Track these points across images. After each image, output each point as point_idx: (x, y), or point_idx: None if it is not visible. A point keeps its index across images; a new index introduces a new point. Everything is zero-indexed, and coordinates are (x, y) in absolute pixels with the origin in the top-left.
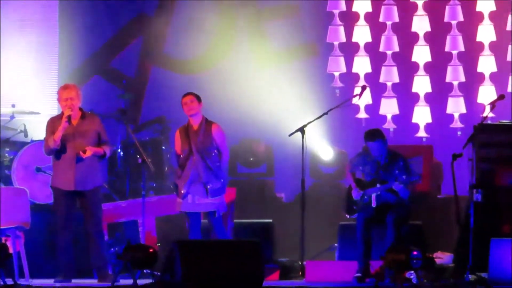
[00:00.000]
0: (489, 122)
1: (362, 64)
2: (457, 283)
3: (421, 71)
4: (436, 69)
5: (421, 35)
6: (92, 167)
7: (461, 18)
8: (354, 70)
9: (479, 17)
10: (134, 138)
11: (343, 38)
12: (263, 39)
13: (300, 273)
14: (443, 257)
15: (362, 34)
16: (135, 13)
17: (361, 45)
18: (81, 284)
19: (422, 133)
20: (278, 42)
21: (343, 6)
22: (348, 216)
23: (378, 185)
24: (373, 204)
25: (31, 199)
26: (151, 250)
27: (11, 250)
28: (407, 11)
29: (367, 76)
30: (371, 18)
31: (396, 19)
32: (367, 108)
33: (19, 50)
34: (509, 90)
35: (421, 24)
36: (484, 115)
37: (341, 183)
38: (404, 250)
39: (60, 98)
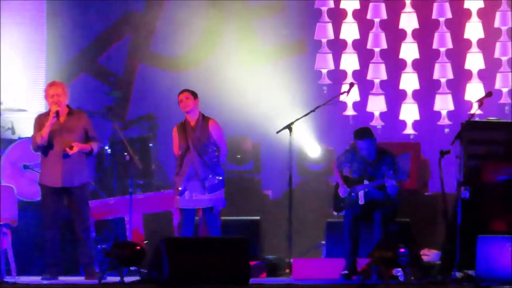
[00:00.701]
0: (476, 119)
1: (350, 61)
2: (444, 280)
3: (408, 68)
4: (424, 66)
5: (409, 32)
6: (79, 163)
7: (449, 15)
8: (342, 67)
9: (467, 14)
10: (122, 135)
11: (331, 35)
12: (251, 36)
13: (288, 270)
14: (430, 254)
15: (350, 31)
16: (123, 10)
17: (349, 42)
18: (68, 282)
19: (409, 130)
20: (266, 39)
21: (331, 3)
22: (335, 213)
23: (366, 182)
24: (361, 202)
25: (19, 196)
26: (138, 247)
27: None
28: (395, 8)
29: (354, 73)
30: (359, 15)
31: (384, 16)
32: (355, 105)
33: (6, 47)
34: (496, 87)
35: (409, 21)
36: (472, 112)
37: (328, 180)
38: (391, 248)
39: (47, 95)
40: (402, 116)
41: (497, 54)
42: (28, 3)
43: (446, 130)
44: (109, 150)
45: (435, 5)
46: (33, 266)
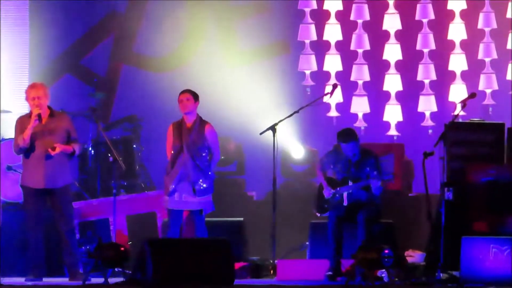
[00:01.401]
0: (460, 120)
1: (333, 63)
2: (429, 281)
3: (392, 70)
4: (407, 67)
5: (392, 33)
6: (62, 165)
7: (432, 16)
8: (325, 68)
9: (450, 15)
10: (105, 137)
11: (314, 36)
12: (234, 37)
13: (272, 271)
14: (414, 256)
15: (333, 32)
16: (106, 11)
17: (332, 43)
18: (52, 283)
19: (393, 132)
20: (249, 40)
21: (314, 4)
22: (319, 215)
23: (350, 183)
24: (345, 203)
25: (2, 197)
26: (122, 248)
27: None
28: (378, 10)
29: (338, 74)
30: (342, 17)
31: (367, 17)
32: (338, 106)
33: None
34: (480, 88)
35: (392, 22)
36: (455, 113)
37: (312, 181)
38: (375, 249)
39: (28, 97)
40: (385, 117)
41: (480, 55)
42: (10, 3)
43: (430, 131)
44: (92, 152)
45: (418, 6)
46: (17, 267)
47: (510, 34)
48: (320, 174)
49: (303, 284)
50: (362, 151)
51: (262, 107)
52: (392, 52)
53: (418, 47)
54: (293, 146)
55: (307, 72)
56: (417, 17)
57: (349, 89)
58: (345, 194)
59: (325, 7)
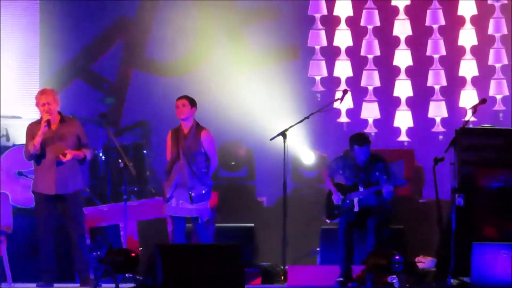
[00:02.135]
0: (470, 126)
1: (343, 68)
2: (439, 287)
3: (402, 75)
4: (417, 73)
5: (402, 39)
6: (73, 170)
7: (442, 22)
8: (335, 74)
9: (461, 21)
10: (116, 142)
11: (324, 42)
12: (244, 43)
13: (282, 277)
14: (425, 261)
15: (343, 38)
16: (116, 16)
17: (342, 49)
18: None
19: (403, 137)
20: (260, 45)
21: (324, 10)
22: (328, 221)
23: (360, 188)
24: (356, 209)
25: (13, 203)
26: (132, 254)
27: None
28: (388, 15)
29: (348, 80)
30: (352, 22)
31: (377, 23)
32: (349, 112)
33: (0, 54)
34: (490, 94)
35: (402, 28)
36: (466, 119)
37: (322, 187)
38: (386, 255)
39: (38, 103)
40: (396, 123)
41: (491, 61)
42: (21, 9)
43: (440, 137)
44: (103, 157)
45: (429, 12)
46: (28, 273)
47: None
48: (328, 180)
49: None
50: (370, 155)
51: (272, 112)
52: (403, 58)
53: (428, 52)
54: (304, 152)
55: (317, 78)
56: (427, 23)
57: (359, 95)
58: (355, 200)
59: (335, 12)
